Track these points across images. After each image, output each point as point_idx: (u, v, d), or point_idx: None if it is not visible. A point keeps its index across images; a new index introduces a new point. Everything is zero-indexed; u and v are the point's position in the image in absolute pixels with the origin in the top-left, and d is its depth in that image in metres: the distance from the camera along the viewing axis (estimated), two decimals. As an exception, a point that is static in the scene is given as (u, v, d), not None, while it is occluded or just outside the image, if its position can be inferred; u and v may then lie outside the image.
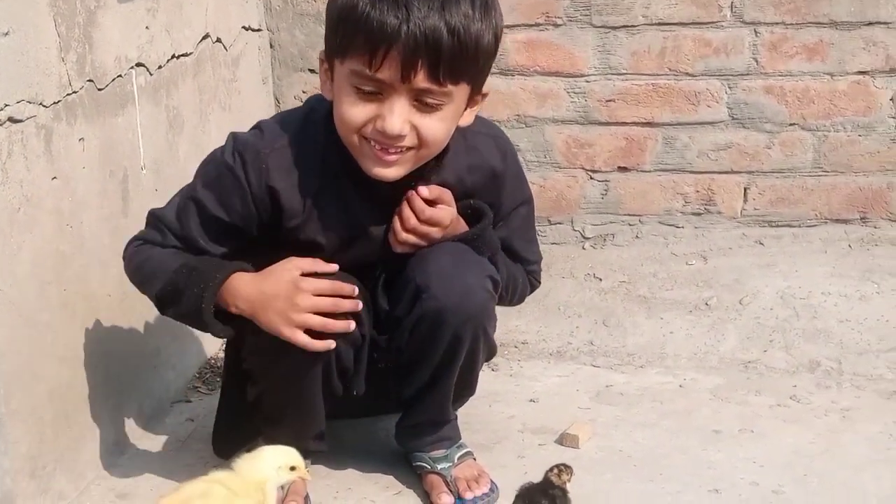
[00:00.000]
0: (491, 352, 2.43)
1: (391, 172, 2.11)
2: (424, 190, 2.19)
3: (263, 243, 2.23)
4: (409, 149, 2.09)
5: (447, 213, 2.23)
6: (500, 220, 2.37)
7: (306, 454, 2.38)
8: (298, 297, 2.12)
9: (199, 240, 2.21)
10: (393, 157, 2.08)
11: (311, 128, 2.20)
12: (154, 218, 2.27)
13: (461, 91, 2.09)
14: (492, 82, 3.39)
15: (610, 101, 3.40)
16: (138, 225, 2.53)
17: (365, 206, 2.22)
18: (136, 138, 2.55)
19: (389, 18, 1.97)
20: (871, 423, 2.66)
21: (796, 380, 2.88)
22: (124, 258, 2.28)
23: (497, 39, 2.10)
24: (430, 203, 2.21)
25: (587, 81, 3.40)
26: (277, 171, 2.17)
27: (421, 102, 2.05)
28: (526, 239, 2.46)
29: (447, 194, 2.23)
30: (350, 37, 2.01)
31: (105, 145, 2.42)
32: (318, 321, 2.12)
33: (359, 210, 2.23)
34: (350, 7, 2.01)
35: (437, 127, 2.08)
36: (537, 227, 3.43)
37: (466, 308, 2.23)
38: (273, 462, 2.10)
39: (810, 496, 2.37)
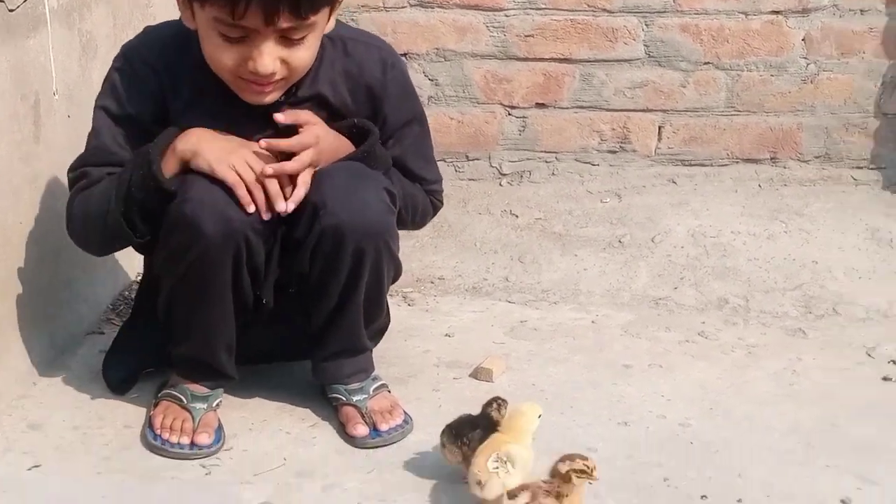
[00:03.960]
0: (397, 271, 2.44)
1: (268, 99, 2.22)
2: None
3: None
4: (281, 79, 2.19)
5: (310, 133, 2.26)
6: (389, 137, 2.40)
7: (217, 378, 2.38)
8: (243, 149, 2.21)
9: (117, 149, 2.27)
10: (268, 89, 2.20)
11: (188, 38, 2.24)
12: (71, 171, 2.32)
13: (322, 15, 2.18)
14: (410, 14, 3.39)
15: (529, 36, 3.40)
16: (50, 151, 2.51)
17: (241, 114, 2.26)
18: (49, 62, 2.49)
19: None
20: (776, 359, 2.74)
21: (705, 316, 2.94)
22: (69, 224, 2.31)
23: None
24: (291, 129, 2.25)
25: (506, 16, 3.40)
26: (160, 60, 2.27)
27: (286, 38, 2.14)
28: (422, 158, 2.48)
29: (304, 114, 2.28)
30: None
31: (16, 69, 2.35)
32: (250, 175, 2.19)
33: (234, 118, 2.26)
34: None
35: (304, 55, 2.19)
36: (455, 163, 3.49)
37: (366, 222, 2.26)
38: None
39: (716, 429, 2.43)
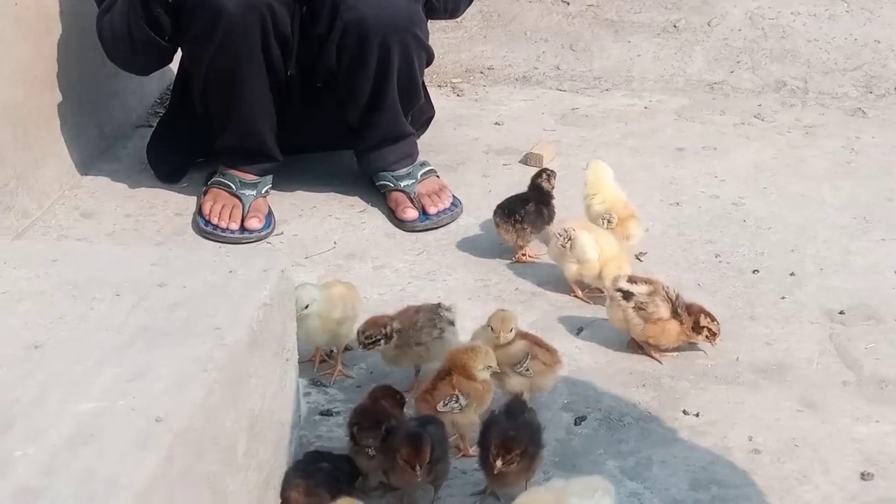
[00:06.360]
0: (429, 56, 2.39)
1: None
2: None
3: None
4: None
5: None
6: None
7: (262, 161, 2.38)
8: None
9: None
10: None
11: None
12: None
13: None
14: None
15: None
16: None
17: None
18: None
19: None
20: (834, 138, 2.68)
21: (762, 99, 2.87)
22: (105, 51, 2.32)
23: None
24: None
25: None
26: None
27: None
28: None
29: None
30: None
31: None
32: None
33: None
34: None
35: None
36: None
37: (389, 15, 2.21)
38: None
39: (769, 206, 2.40)
